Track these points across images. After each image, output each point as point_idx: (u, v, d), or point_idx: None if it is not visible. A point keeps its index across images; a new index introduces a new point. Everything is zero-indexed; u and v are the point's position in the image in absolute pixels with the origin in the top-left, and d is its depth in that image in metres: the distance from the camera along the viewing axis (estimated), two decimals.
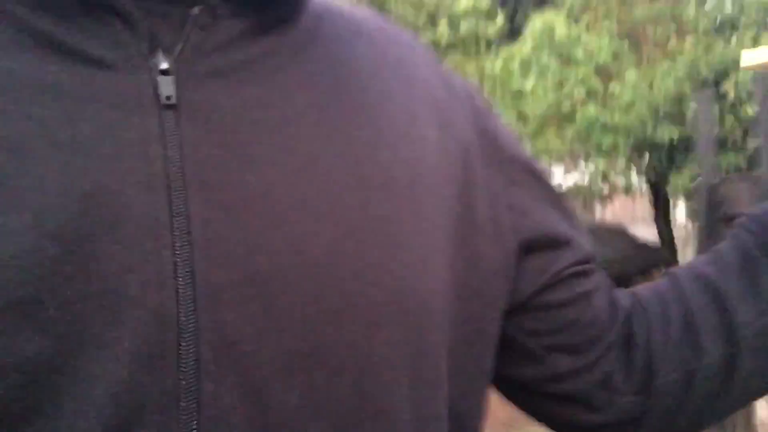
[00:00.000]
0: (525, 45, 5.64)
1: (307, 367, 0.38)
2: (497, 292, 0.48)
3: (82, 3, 0.37)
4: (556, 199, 0.54)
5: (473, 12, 6.13)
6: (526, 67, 5.54)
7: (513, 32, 6.34)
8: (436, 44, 5.78)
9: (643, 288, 0.57)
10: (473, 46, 6.18)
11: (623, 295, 0.56)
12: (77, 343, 0.34)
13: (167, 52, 0.38)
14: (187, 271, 0.36)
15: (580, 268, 0.52)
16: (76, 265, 0.34)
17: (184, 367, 0.35)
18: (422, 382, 0.42)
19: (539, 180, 0.53)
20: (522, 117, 5.45)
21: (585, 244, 0.54)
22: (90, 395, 0.34)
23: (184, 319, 0.35)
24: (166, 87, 0.38)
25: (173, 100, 0.38)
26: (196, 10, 0.39)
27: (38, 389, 0.33)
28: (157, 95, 0.38)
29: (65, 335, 0.34)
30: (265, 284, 0.37)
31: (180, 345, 0.35)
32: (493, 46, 6.19)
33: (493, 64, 5.73)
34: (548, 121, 5.57)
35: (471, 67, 5.76)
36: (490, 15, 6.30)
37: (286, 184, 0.39)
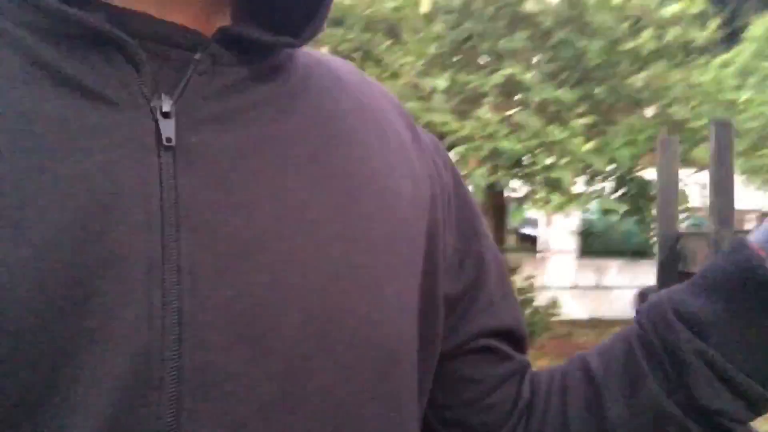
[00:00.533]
0: (743, 52, 5.13)
1: (285, 411, 0.39)
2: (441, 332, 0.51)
3: (91, 39, 0.38)
4: (502, 268, 0.58)
5: (683, 17, 5.67)
6: (742, 76, 5.05)
7: (730, 38, 5.77)
8: (636, 53, 5.40)
9: (542, 372, 0.58)
10: (680, 54, 5.69)
11: (529, 382, 0.57)
12: (65, 377, 0.34)
13: (168, 94, 0.39)
14: (174, 311, 0.37)
15: (493, 342, 0.55)
16: (72, 301, 0.35)
17: (165, 406, 0.36)
18: (395, 425, 0.44)
19: (492, 248, 0.57)
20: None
21: (512, 320, 0.56)
22: (76, 430, 0.34)
23: (168, 357, 0.36)
24: (167, 129, 0.38)
25: (172, 143, 0.38)
26: (197, 56, 0.40)
27: (22, 421, 0.34)
28: (157, 136, 0.38)
29: (54, 369, 0.34)
30: (249, 327, 0.38)
31: (162, 382, 0.36)
32: (703, 55, 5.70)
33: (703, 73, 5.28)
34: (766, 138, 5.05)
35: (675, 77, 5.34)
36: (701, 20, 5.79)
37: (275, 231, 0.40)
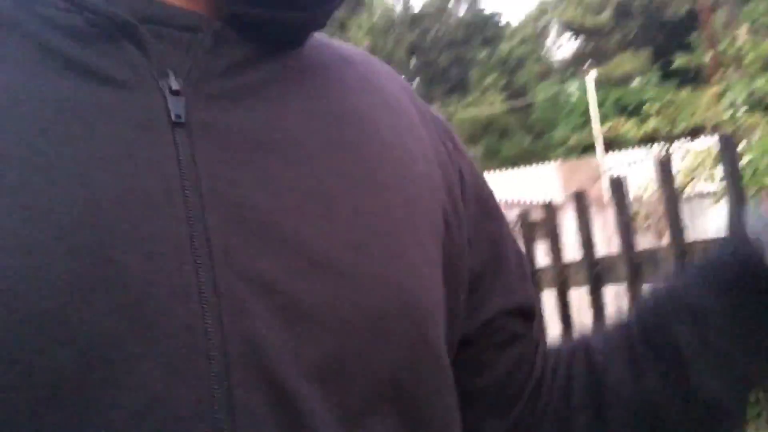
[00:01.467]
0: None
1: (333, 376, 0.39)
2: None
3: (95, 24, 0.38)
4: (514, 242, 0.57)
5: None
6: None
7: None
8: None
9: (550, 351, 0.58)
10: None
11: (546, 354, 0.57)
12: (106, 357, 0.34)
13: (177, 74, 0.40)
14: (210, 283, 0.37)
15: (510, 322, 0.54)
16: (99, 279, 0.35)
17: (216, 377, 0.36)
18: (442, 385, 0.45)
19: (503, 221, 0.57)
20: None
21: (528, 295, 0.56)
22: (123, 408, 0.34)
23: (211, 329, 0.36)
24: (177, 107, 0.39)
25: (182, 119, 0.39)
26: (200, 35, 0.41)
27: (65, 403, 0.33)
28: (168, 114, 0.38)
29: (92, 350, 0.34)
30: (284, 296, 0.38)
31: (210, 354, 0.36)
32: None
33: None
34: None
35: None
36: None
37: (296, 203, 0.41)
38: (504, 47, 22.77)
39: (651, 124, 6.18)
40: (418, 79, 22.28)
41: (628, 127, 6.64)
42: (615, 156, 13.74)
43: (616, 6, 22.21)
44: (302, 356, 0.38)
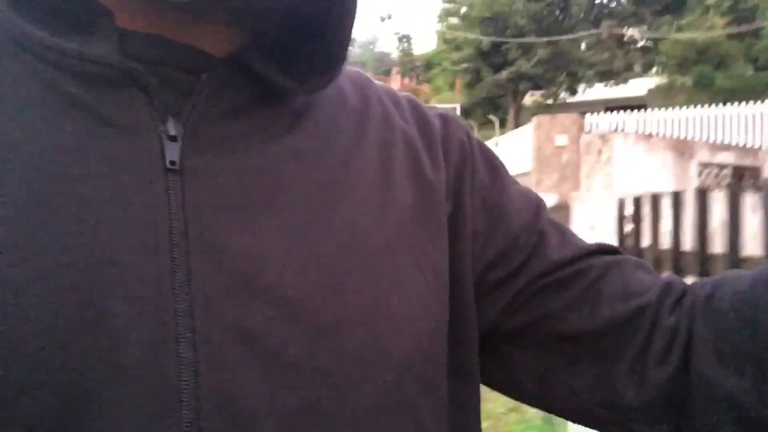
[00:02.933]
0: None
1: (306, 425, 0.40)
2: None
3: (102, 68, 0.39)
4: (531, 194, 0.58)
5: None
6: None
7: None
8: None
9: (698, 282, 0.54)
10: None
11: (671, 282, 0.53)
12: (80, 399, 0.34)
13: (176, 118, 0.40)
14: (188, 333, 0.37)
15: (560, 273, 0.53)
16: (83, 322, 0.35)
17: (187, 427, 0.36)
18: (408, 429, 0.45)
19: (518, 196, 0.56)
20: None
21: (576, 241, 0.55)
22: None
23: (185, 379, 0.36)
24: (172, 152, 0.39)
25: (176, 166, 0.39)
26: (204, 77, 0.42)
27: None
28: (163, 160, 0.39)
29: (68, 391, 0.34)
30: (262, 343, 0.39)
31: (182, 403, 0.36)
32: None
33: None
34: None
35: None
36: None
37: (279, 250, 0.41)
38: None
39: None
40: None
41: None
42: None
43: None
44: (278, 405, 0.39)
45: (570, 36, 18.81)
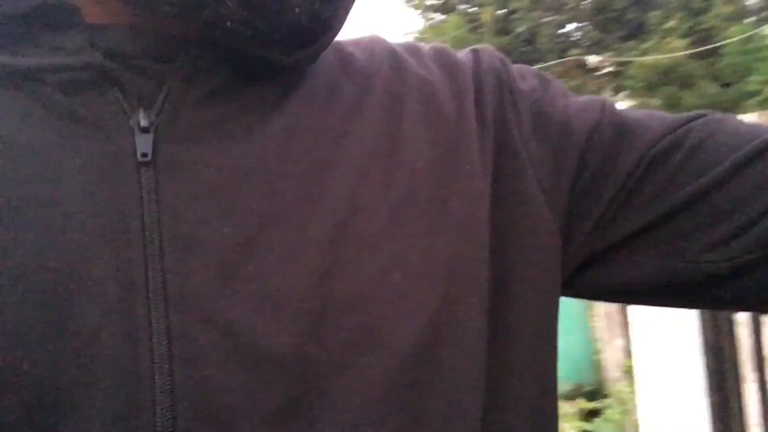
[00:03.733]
0: None
1: (283, 422, 0.37)
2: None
3: (73, 65, 0.39)
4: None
5: None
6: None
7: None
8: None
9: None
10: None
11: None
12: (48, 403, 0.34)
13: (149, 108, 0.40)
14: (162, 329, 0.36)
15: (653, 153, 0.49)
16: (51, 324, 0.35)
17: (161, 427, 0.35)
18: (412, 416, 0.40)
19: (576, 106, 0.51)
20: None
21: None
22: None
23: (158, 377, 0.35)
24: (144, 144, 0.39)
25: (149, 158, 0.38)
26: (178, 63, 0.40)
27: None
28: (134, 153, 0.38)
29: (35, 395, 0.34)
30: (241, 338, 0.37)
31: (156, 404, 0.35)
32: None
33: None
34: None
35: None
36: None
37: (264, 236, 0.39)
38: None
39: None
40: (590, 24, 20.95)
41: None
42: None
43: None
44: (260, 401, 0.37)
45: (539, 65, 19.35)
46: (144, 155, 0.38)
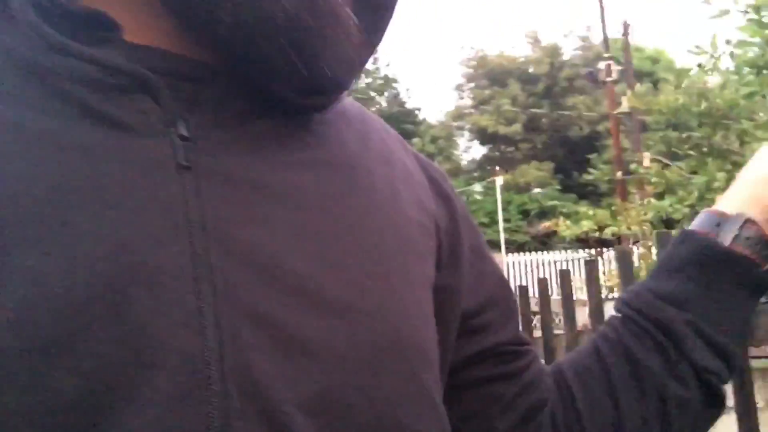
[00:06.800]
0: None
1: (327, 408, 0.41)
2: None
3: (112, 75, 0.41)
4: (505, 283, 0.62)
5: None
6: None
7: None
8: None
9: (566, 362, 0.63)
10: None
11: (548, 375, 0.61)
12: (109, 384, 0.35)
13: (186, 121, 0.42)
14: (211, 316, 0.38)
15: (512, 347, 0.59)
16: (106, 309, 0.36)
17: (215, 407, 0.37)
18: (433, 420, 0.47)
19: (494, 260, 0.61)
20: None
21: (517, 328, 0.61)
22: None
23: (211, 361, 0.37)
24: (184, 152, 0.41)
25: (190, 163, 0.41)
26: (210, 86, 0.44)
27: (66, 429, 0.34)
28: (176, 159, 0.41)
29: (96, 377, 0.35)
30: (281, 330, 0.40)
31: (209, 385, 0.37)
32: None
33: None
34: None
35: None
36: None
37: (294, 242, 0.43)
38: (417, 142, 23.82)
39: (584, 227, 6.80)
40: None
41: (563, 227, 7.25)
42: (515, 256, 14.46)
43: (526, 120, 23.83)
44: (299, 389, 0.40)
45: None
46: (186, 161, 0.40)
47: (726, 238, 0.59)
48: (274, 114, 0.46)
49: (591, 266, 1.52)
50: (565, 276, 1.65)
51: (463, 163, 26.77)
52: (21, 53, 0.41)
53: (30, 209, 0.37)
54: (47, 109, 0.40)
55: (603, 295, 1.49)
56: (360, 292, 0.44)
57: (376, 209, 0.49)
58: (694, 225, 0.62)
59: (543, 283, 1.73)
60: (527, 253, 15.05)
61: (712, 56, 5.25)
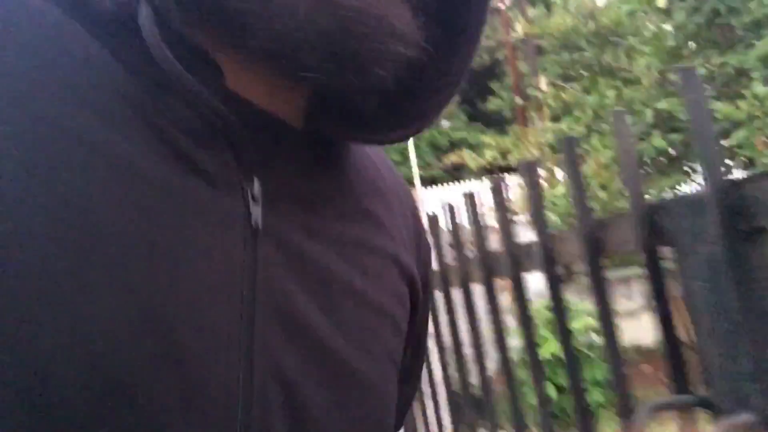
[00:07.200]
0: None
1: None
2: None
3: (206, 121, 0.40)
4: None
5: None
6: None
7: None
8: None
9: None
10: None
11: None
12: (157, 426, 0.36)
13: (260, 175, 0.42)
14: (247, 383, 0.40)
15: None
16: (165, 358, 0.37)
17: None
18: None
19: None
20: None
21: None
22: None
23: (242, 420, 0.39)
24: (254, 214, 0.42)
25: (258, 226, 0.42)
26: (288, 135, 0.45)
27: None
28: (246, 218, 0.41)
29: (149, 419, 0.36)
30: (293, 396, 0.42)
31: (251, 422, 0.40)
32: None
33: None
34: None
35: None
36: None
37: (329, 311, 0.45)
38: None
39: (488, 156, 6.90)
40: None
41: (469, 158, 7.35)
42: (429, 191, 14.71)
43: None
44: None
45: None
46: (255, 223, 0.41)
47: None
48: (331, 166, 0.48)
49: (495, 192, 1.56)
50: (471, 198, 1.70)
51: None
52: (126, 79, 0.39)
53: (111, 250, 0.36)
54: (142, 144, 0.38)
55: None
56: (369, 365, 0.47)
57: (384, 270, 0.51)
58: None
59: (451, 209, 1.80)
60: (440, 186, 15.28)
61: None
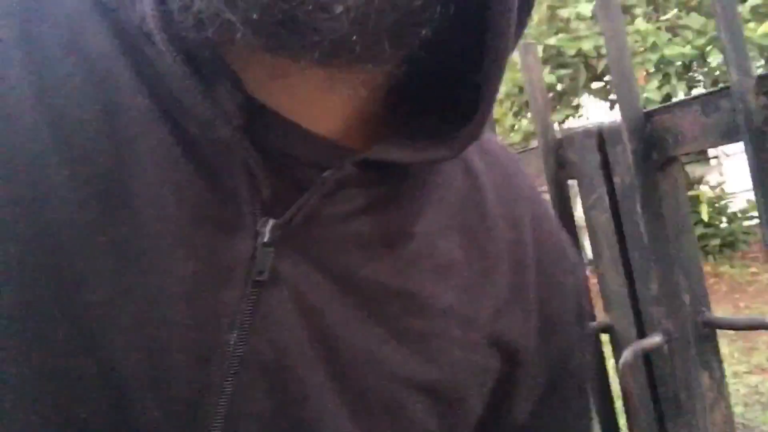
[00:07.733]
0: None
1: None
2: None
3: (223, 155, 0.37)
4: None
5: None
6: None
7: None
8: None
9: None
10: None
11: None
12: None
13: (278, 217, 0.38)
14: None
15: None
16: (149, 359, 0.35)
17: None
18: None
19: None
20: None
21: None
22: None
23: None
24: (263, 260, 0.38)
25: (264, 276, 0.37)
26: (328, 173, 0.39)
27: None
28: (250, 265, 0.37)
29: None
30: None
31: None
32: None
33: None
34: None
35: None
36: None
37: (328, 386, 0.39)
38: None
39: None
40: None
41: None
42: None
43: None
44: None
45: None
46: (260, 273, 0.37)
47: None
48: (381, 210, 0.42)
49: None
50: None
51: None
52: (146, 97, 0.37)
53: (132, 279, 0.35)
54: (166, 166, 0.37)
55: None
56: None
57: (428, 345, 0.43)
58: None
59: None
60: None
61: None
